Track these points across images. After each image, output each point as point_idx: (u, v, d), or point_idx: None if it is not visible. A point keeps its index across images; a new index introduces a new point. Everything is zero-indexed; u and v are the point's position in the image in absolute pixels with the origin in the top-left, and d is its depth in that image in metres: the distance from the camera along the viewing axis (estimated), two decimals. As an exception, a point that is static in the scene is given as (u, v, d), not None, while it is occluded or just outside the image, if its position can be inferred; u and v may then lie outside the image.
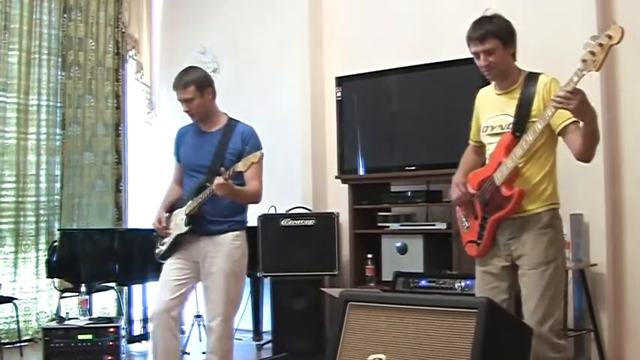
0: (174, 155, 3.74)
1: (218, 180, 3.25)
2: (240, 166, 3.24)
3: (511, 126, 2.78)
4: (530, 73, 2.85)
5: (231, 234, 3.49)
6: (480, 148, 3.04)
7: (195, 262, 3.52)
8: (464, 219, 2.97)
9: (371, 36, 5.37)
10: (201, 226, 3.46)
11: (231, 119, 3.63)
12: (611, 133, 4.31)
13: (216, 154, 3.48)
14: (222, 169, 3.28)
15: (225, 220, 3.49)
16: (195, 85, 3.47)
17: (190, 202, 3.48)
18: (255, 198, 3.54)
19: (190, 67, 3.65)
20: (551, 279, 2.73)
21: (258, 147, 3.51)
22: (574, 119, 2.63)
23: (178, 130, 3.77)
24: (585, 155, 2.68)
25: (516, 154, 2.70)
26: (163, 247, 3.57)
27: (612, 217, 4.30)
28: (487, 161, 2.91)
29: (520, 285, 2.80)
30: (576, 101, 2.45)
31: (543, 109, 2.66)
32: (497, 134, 2.85)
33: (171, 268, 3.53)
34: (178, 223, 3.53)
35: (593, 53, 2.42)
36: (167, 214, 3.60)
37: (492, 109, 2.90)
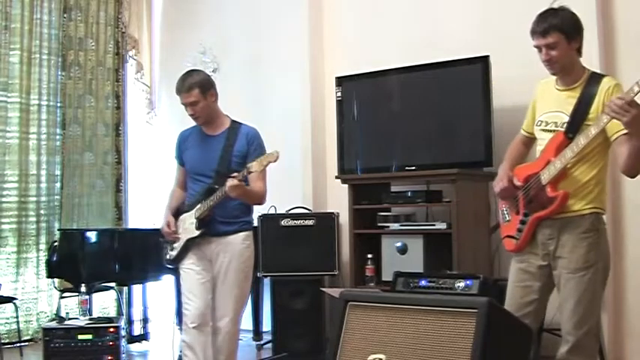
0: (176, 159, 3.73)
1: (232, 182, 3.24)
2: (255, 166, 3.22)
3: (565, 125, 2.74)
4: (594, 73, 2.80)
5: (241, 234, 3.53)
6: (530, 140, 3.00)
7: (209, 261, 3.53)
8: (505, 212, 2.94)
9: (371, 36, 5.37)
10: (212, 227, 3.47)
11: (234, 121, 3.63)
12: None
13: (222, 157, 3.48)
14: (235, 174, 3.26)
15: (235, 220, 3.51)
16: (199, 88, 3.46)
17: (200, 205, 3.46)
18: (261, 199, 3.57)
19: (192, 70, 3.64)
20: (588, 285, 2.69)
21: (262, 148, 3.53)
22: (626, 131, 2.57)
23: (180, 134, 3.75)
24: (631, 170, 2.65)
25: (566, 155, 2.67)
26: (174, 253, 3.56)
27: (612, 217, 4.30)
28: (538, 157, 2.87)
29: (557, 286, 2.78)
30: (631, 115, 2.40)
31: (600, 114, 2.61)
32: (550, 131, 2.80)
33: (193, 274, 3.51)
34: (188, 227, 3.52)
35: None
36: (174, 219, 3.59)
37: (550, 104, 2.84)
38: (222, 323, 3.50)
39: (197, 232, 3.46)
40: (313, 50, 5.62)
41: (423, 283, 4.17)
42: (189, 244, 3.51)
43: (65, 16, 6.04)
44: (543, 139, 2.84)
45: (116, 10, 6.42)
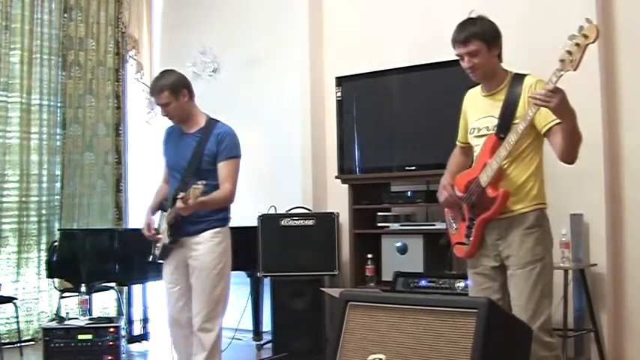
0: (162, 154, 3.80)
1: (179, 204, 3.31)
2: (190, 194, 3.22)
3: (495, 127, 2.80)
4: (517, 74, 2.85)
5: (210, 231, 3.54)
6: (468, 149, 3.06)
7: (185, 263, 3.59)
8: (452, 221, 2.99)
9: (371, 36, 5.37)
10: (181, 230, 3.52)
11: (210, 119, 3.66)
12: (611, 133, 4.32)
13: (193, 155, 3.53)
14: (180, 194, 3.31)
15: (203, 219, 3.52)
16: (168, 90, 3.50)
17: (170, 210, 3.54)
18: (226, 202, 3.57)
19: (165, 72, 3.66)
20: (538, 278, 2.74)
21: (233, 147, 3.55)
22: (559, 121, 2.63)
23: (166, 130, 3.82)
24: (568, 156, 2.67)
25: (500, 155, 2.72)
26: (157, 252, 3.67)
27: (612, 217, 4.30)
28: (474, 163, 2.93)
29: (509, 285, 2.82)
30: (556, 100, 2.45)
31: (527, 110, 2.67)
32: (483, 136, 2.87)
33: (166, 282, 3.67)
34: (163, 232, 3.61)
35: (570, 53, 2.42)
36: (154, 216, 3.69)
37: (479, 111, 2.92)
38: (195, 320, 3.53)
39: (168, 240, 3.56)
40: (313, 50, 5.62)
41: (423, 283, 4.18)
42: (166, 247, 3.61)
43: (65, 16, 6.04)
44: (478, 145, 2.89)
45: (116, 10, 6.42)
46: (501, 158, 2.72)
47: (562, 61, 2.44)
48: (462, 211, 2.90)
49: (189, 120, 3.61)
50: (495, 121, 2.81)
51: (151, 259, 3.72)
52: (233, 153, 3.54)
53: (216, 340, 3.55)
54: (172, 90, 3.51)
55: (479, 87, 2.97)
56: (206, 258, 3.51)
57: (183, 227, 3.51)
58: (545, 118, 2.67)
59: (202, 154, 3.50)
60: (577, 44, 2.41)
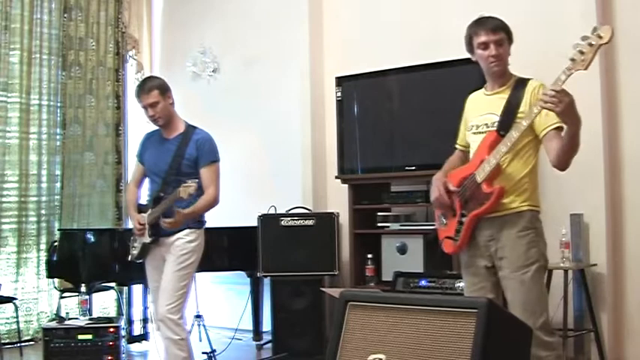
0: (136, 156, 3.94)
1: (168, 222, 3.51)
2: (181, 192, 3.38)
3: (497, 124, 2.80)
4: (520, 77, 2.88)
5: (185, 230, 3.65)
6: (466, 153, 3.06)
7: (163, 261, 3.70)
8: (441, 216, 2.99)
9: (371, 36, 5.37)
10: (162, 229, 3.63)
11: (189, 126, 3.78)
12: (611, 133, 4.32)
13: (173, 160, 3.66)
14: (165, 221, 3.52)
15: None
16: (158, 90, 3.66)
17: (150, 211, 3.67)
18: (212, 205, 3.70)
19: (150, 76, 3.91)
20: (533, 281, 2.74)
21: (212, 152, 3.70)
22: (558, 125, 2.65)
23: (145, 134, 3.96)
24: (561, 161, 2.68)
25: (500, 151, 2.72)
26: (135, 252, 3.78)
27: (612, 217, 4.30)
28: (471, 159, 2.92)
29: (503, 287, 2.82)
30: (564, 103, 2.44)
31: (531, 107, 2.69)
32: (481, 133, 2.87)
33: (151, 281, 3.81)
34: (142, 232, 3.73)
35: (582, 52, 2.42)
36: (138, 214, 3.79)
37: (480, 109, 2.93)
38: (160, 310, 3.60)
39: (149, 239, 3.68)
40: (313, 50, 5.62)
41: (423, 283, 4.18)
42: (146, 246, 3.72)
43: (65, 16, 6.04)
44: (475, 142, 2.90)
45: (116, 10, 6.42)
46: (501, 154, 2.72)
47: (573, 60, 2.43)
48: (453, 206, 2.90)
49: (171, 124, 3.74)
50: (495, 118, 2.82)
51: (129, 258, 3.85)
52: (213, 158, 3.70)
53: (182, 330, 3.63)
54: (161, 90, 3.67)
55: (480, 90, 2.99)
56: (179, 252, 3.63)
57: (162, 227, 3.63)
58: (545, 122, 2.69)
59: (182, 158, 3.65)
60: (590, 44, 2.40)
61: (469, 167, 2.88)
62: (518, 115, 2.76)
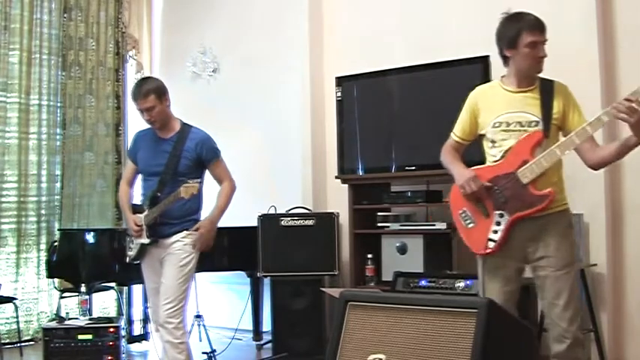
0: (128, 155, 3.91)
1: (200, 238, 3.59)
2: (182, 192, 3.42)
3: (539, 124, 2.78)
4: (543, 77, 2.87)
5: (183, 232, 3.65)
6: (461, 146, 3.04)
7: (160, 262, 3.70)
8: (467, 215, 2.90)
9: (371, 36, 5.37)
10: (158, 231, 3.64)
11: (184, 125, 3.76)
12: (611, 133, 4.31)
13: (170, 160, 3.63)
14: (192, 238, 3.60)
15: (178, 222, 3.64)
16: (154, 94, 3.62)
17: (147, 212, 3.65)
18: (232, 195, 3.75)
19: (146, 78, 3.86)
20: (574, 280, 2.78)
21: (215, 148, 3.73)
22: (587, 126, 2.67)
23: (136, 133, 3.91)
24: (602, 165, 2.78)
25: (555, 154, 2.71)
26: (132, 253, 3.76)
27: (612, 217, 4.30)
28: (501, 157, 2.85)
29: (542, 286, 2.81)
30: (638, 114, 2.46)
31: (565, 110, 2.76)
32: (514, 131, 2.82)
33: (149, 282, 3.80)
34: (140, 232, 3.70)
35: None
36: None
37: (503, 106, 2.86)
38: (161, 314, 3.60)
39: (148, 240, 3.66)
40: (313, 50, 5.61)
41: (423, 283, 4.18)
42: (144, 247, 3.70)
43: (65, 16, 6.04)
44: (505, 140, 2.84)
45: (116, 10, 6.42)
46: (556, 158, 2.72)
47: None
48: (484, 205, 2.84)
49: (167, 125, 3.72)
50: (532, 118, 2.80)
51: (127, 260, 3.83)
52: (217, 153, 3.75)
53: (182, 334, 3.63)
54: (157, 94, 3.63)
55: (494, 83, 2.97)
56: (179, 255, 3.62)
57: (160, 228, 3.64)
58: (579, 122, 2.75)
59: (180, 157, 3.63)
60: None
61: (504, 166, 2.82)
62: (554, 116, 2.77)
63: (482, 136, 2.96)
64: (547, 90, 2.81)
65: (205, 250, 3.68)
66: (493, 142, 2.89)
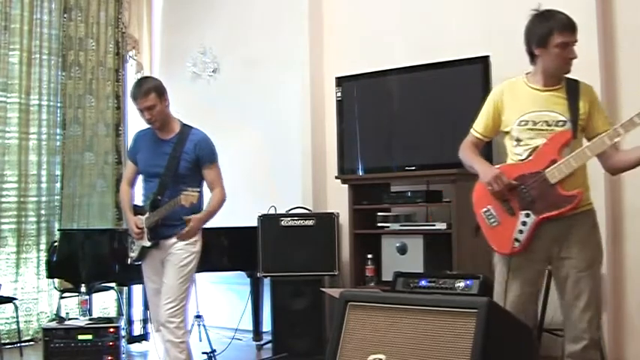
0: (128, 155, 3.90)
1: (184, 234, 3.57)
2: (182, 200, 3.43)
3: (566, 124, 2.76)
4: (569, 77, 2.86)
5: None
6: (481, 142, 3.01)
7: (161, 264, 3.71)
8: (492, 213, 2.86)
9: (371, 36, 5.37)
10: (161, 232, 3.65)
11: (184, 126, 3.75)
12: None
13: (170, 162, 3.63)
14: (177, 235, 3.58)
15: (179, 223, 3.63)
16: (155, 92, 3.61)
17: (148, 215, 3.65)
18: (222, 203, 3.73)
19: (146, 77, 3.84)
20: (596, 281, 2.77)
21: (212, 152, 3.71)
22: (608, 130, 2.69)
23: (136, 133, 3.90)
24: (623, 170, 2.82)
25: (586, 155, 2.71)
26: (134, 255, 3.78)
27: (612, 218, 4.30)
28: (527, 156, 2.83)
29: (562, 286, 2.80)
30: None
31: (590, 112, 2.76)
32: (541, 130, 2.79)
33: (149, 283, 3.81)
34: (142, 234, 3.71)
35: None
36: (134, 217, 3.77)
37: (529, 104, 2.83)
38: (162, 314, 3.61)
39: (149, 243, 3.67)
40: (313, 50, 5.61)
41: (423, 283, 4.17)
42: (145, 249, 3.71)
43: (65, 16, 6.04)
44: (532, 139, 2.81)
45: (116, 11, 6.42)
46: (586, 159, 2.73)
47: None
48: (509, 204, 2.81)
49: (167, 125, 3.70)
50: (559, 117, 2.78)
51: (129, 261, 3.84)
52: (214, 157, 3.73)
53: (183, 333, 3.64)
54: (158, 93, 3.63)
55: (520, 80, 2.91)
56: (179, 256, 3.63)
57: (161, 230, 3.64)
58: (604, 125, 2.76)
59: (180, 159, 3.63)
60: None
61: (530, 165, 2.80)
62: (581, 116, 2.76)
63: (505, 133, 2.92)
64: (573, 90, 2.79)
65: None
66: (518, 140, 2.85)
